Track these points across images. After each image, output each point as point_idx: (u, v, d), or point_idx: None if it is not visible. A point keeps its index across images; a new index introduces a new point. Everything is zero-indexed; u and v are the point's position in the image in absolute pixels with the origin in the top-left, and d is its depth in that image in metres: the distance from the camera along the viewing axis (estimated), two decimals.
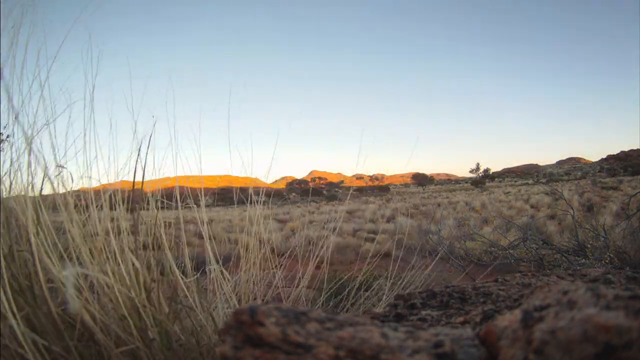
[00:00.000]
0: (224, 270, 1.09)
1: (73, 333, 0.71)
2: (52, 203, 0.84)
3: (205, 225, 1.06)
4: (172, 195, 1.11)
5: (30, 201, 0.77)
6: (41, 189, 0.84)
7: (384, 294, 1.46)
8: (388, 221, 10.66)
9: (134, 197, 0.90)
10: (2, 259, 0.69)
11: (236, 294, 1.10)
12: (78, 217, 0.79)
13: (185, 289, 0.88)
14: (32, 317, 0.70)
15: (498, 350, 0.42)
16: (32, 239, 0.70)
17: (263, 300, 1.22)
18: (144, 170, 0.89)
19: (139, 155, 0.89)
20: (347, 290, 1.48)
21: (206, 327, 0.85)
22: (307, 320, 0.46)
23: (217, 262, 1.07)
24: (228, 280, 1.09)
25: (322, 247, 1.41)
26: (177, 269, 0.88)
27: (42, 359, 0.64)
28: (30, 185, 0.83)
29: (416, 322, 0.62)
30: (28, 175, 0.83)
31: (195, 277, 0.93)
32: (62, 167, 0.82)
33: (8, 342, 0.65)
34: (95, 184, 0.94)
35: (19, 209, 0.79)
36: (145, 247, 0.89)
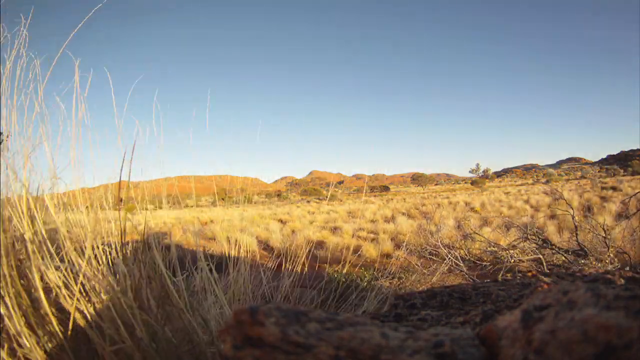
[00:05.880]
0: (213, 270, 1.09)
1: (67, 332, 0.73)
2: (45, 206, 0.87)
3: (208, 225, 1.06)
4: (169, 195, 1.12)
5: (26, 208, 0.80)
6: (37, 195, 0.87)
7: (385, 294, 1.46)
8: (388, 221, 10.65)
9: (119, 198, 0.92)
10: (4, 262, 0.71)
11: (227, 295, 1.10)
12: (68, 219, 0.83)
13: (173, 290, 0.88)
14: (29, 317, 0.71)
15: (498, 350, 0.42)
16: (29, 247, 0.73)
17: (253, 300, 1.21)
18: (129, 175, 0.92)
19: (123, 160, 0.92)
20: (350, 291, 1.48)
21: (196, 327, 0.86)
22: (307, 320, 0.46)
23: (207, 261, 1.07)
24: (218, 280, 1.09)
25: (324, 248, 1.41)
26: (167, 269, 0.88)
27: (40, 356, 0.65)
28: (26, 192, 0.87)
29: (416, 322, 0.61)
30: (24, 184, 0.88)
31: (185, 276, 0.94)
32: (58, 178, 0.86)
33: (13, 343, 0.66)
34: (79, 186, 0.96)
35: (16, 215, 0.82)
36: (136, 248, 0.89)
